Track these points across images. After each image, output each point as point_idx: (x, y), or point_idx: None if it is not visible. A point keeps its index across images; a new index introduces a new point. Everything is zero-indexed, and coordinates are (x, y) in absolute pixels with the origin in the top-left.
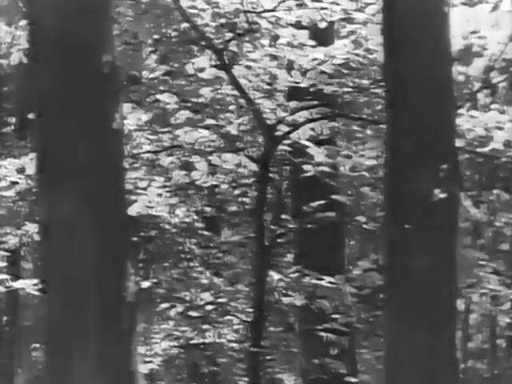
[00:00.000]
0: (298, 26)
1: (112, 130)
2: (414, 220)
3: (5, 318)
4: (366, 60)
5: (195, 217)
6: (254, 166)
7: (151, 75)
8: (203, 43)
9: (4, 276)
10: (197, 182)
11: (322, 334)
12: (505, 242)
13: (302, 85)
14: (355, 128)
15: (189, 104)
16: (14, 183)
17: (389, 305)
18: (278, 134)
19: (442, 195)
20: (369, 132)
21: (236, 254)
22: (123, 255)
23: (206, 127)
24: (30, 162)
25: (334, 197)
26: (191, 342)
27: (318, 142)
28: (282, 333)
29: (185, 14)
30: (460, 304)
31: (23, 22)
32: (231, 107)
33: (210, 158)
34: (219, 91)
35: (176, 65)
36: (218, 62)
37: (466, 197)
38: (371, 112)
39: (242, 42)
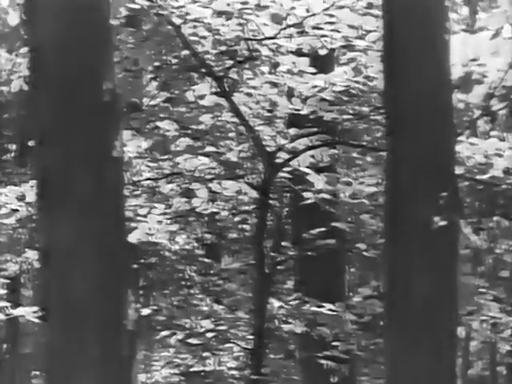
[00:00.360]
0: (298, 53)
1: (112, 157)
2: (414, 247)
3: (5, 346)
4: (366, 87)
5: (195, 244)
6: (254, 193)
7: (151, 102)
8: (204, 70)
9: (4, 303)
10: (197, 209)
11: (323, 361)
12: (505, 269)
13: (302, 112)
14: (355, 155)
15: (189, 131)
16: (15, 210)
17: (389, 332)
18: (278, 161)
19: (442, 223)
20: (369, 159)
21: (236, 281)
22: (123, 282)
23: (206, 154)
24: (30, 190)
25: (334, 224)
26: (191, 369)
27: (318, 169)
28: (282, 360)
29: (186, 41)
30: (460, 331)
31: (24, 50)
32: (231, 134)
33: (210, 185)
34: (219, 118)
35: (176, 92)
36: (219, 89)
37: (466, 224)
38: (371, 139)
39: (243, 69)
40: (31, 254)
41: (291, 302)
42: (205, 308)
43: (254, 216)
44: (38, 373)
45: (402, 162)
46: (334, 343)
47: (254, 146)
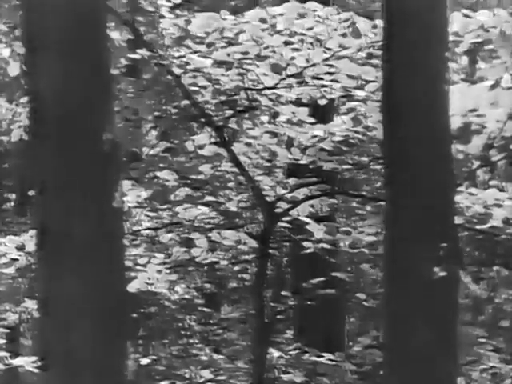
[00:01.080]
0: (298, 103)
1: (112, 207)
2: (414, 297)
3: None
4: (365, 137)
5: (195, 293)
6: (253, 243)
7: (151, 152)
8: (203, 120)
9: (3, 353)
10: (196, 259)
11: None
12: (505, 318)
13: (301, 162)
14: (355, 205)
15: (188, 181)
16: (14, 260)
17: (389, 382)
18: (277, 210)
19: (442, 273)
20: (368, 208)
21: (236, 330)
22: (122, 332)
23: (206, 204)
24: (29, 239)
25: (333, 273)
26: None
27: (318, 219)
28: None
29: (185, 90)
30: (460, 381)
31: (24, 99)
32: (231, 184)
33: (210, 234)
34: (219, 168)
35: (176, 141)
36: (218, 139)
37: (466, 273)
38: (370, 189)
39: (242, 119)
40: (30, 304)
41: (291, 352)
42: (204, 358)
43: (253, 265)
44: None
45: (402, 212)
46: None
47: (254, 196)
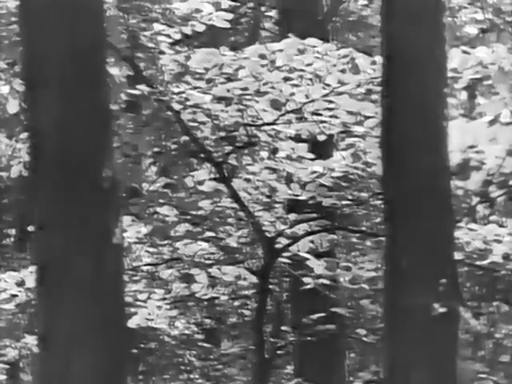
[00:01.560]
0: (297, 139)
1: (112, 244)
2: (414, 333)
3: None
4: (364, 173)
5: (195, 328)
6: (253, 278)
7: (151, 188)
8: (203, 156)
9: None
10: (197, 295)
11: None
12: (505, 353)
13: (301, 197)
14: (354, 240)
15: (188, 216)
16: (14, 296)
17: None
18: (277, 246)
19: (442, 309)
20: (368, 244)
21: (236, 365)
22: (123, 368)
23: (206, 240)
24: (29, 275)
25: (333, 309)
26: None
27: (318, 255)
28: None
29: (185, 126)
30: None
31: (24, 135)
32: (231, 220)
33: (210, 270)
34: (219, 204)
35: (176, 177)
36: (218, 175)
37: (466, 309)
38: (370, 224)
39: (242, 155)
40: (30, 340)
41: None
42: None
43: (253, 301)
44: None
45: (401, 248)
46: None
47: (254, 232)
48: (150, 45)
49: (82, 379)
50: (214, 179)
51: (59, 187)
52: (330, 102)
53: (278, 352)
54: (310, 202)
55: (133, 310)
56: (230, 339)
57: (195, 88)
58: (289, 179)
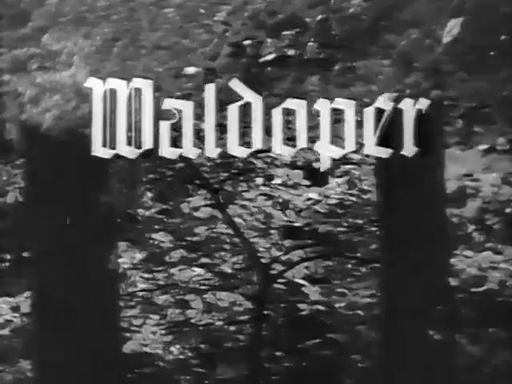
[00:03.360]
0: (292, 165)
1: (107, 269)
2: (410, 359)
3: None
4: (360, 200)
5: (190, 354)
6: (249, 304)
7: (147, 213)
8: (199, 182)
9: None
10: (192, 320)
11: None
12: (502, 380)
13: (296, 224)
14: (350, 266)
15: (184, 242)
16: (9, 321)
17: None
18: (272, 272)
19: (438, 336)
20: (364, 270)
21: None
22: None
23: (201, 266)
24: (24, 301)
25: (329, 335)
26: None
27: (313, 281)
28: None
29: (181, 154)
30: None
31: (20, 161)
32: (226, 246)
33: (205, 296)
34: (214, 230)
35: (171, 203)
36: (213, 201)
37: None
38: (366, 251)
39: (237, 182)
40: (25, 364)
41: None
42: None
43: (248, 326)
44: None
45: (397, 274)
46: None
47: (249, 258)
48: None
49: None
50: (210, 205)
51: (55, 213)
52: None
53: (273, 377)
54: (306, 228)
55: (128, 335)
56: (225, 364)
57: None
58: (284, 206)
